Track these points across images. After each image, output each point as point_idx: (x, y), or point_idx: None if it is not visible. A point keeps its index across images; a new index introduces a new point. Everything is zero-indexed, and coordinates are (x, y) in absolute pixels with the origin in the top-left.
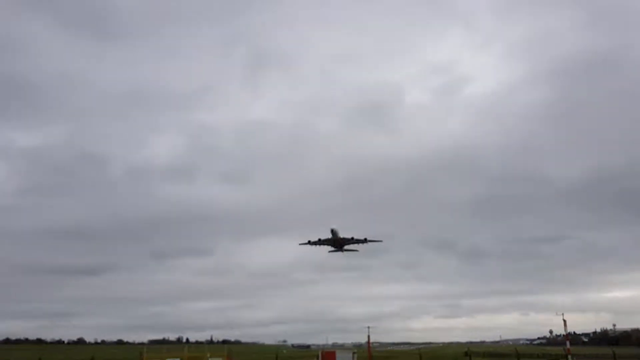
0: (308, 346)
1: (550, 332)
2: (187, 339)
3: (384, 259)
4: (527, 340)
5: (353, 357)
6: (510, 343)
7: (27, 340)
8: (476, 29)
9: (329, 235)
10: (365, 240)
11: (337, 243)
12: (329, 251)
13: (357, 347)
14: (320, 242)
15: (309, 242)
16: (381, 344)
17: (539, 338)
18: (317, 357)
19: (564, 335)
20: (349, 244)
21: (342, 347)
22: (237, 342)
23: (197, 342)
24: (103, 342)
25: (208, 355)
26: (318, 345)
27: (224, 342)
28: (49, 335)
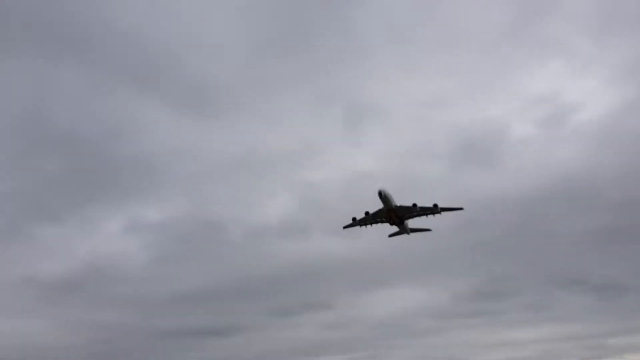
0: None
1: None
2: None
3: (510, 301)
4: None
5: None
6: None
7: None
8: (574, 55)
9: (380, 206)
10: (435, 208)
11: (393, 215)
12: (389, 235)
13: None
14: (370, 219)
15: (354, 221)
16: None
17: None
18: None
19: None
20: (409, 214)
21: None
22: None
23: None
24: None
25: None
26: None
27: None
28: None
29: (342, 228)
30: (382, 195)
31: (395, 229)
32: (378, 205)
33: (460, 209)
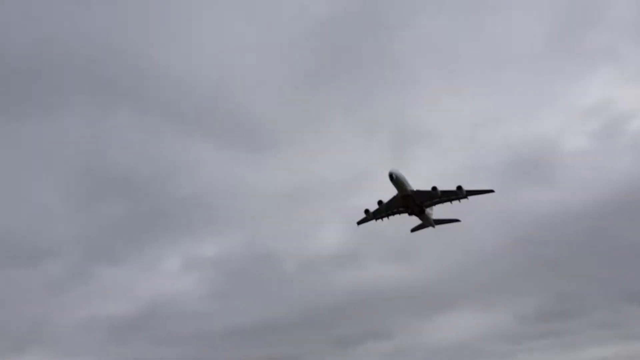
0: None
1: None
2: None
3: (579, 320)
4: None
5: None
6: None
7: None
8: (623, 63)
9: (394, 193)
10: (460, 192)
11: (411, 202)
12: (411, 230)
13: None
14: (385, 209)
15: (368, 214)
16: None
17: None
18: None
19: None
20: (430, 201)
21: None
22: None
23: None
24: None
25: None
26: None
27: None
28: None
29: (357, 225)
30: (394, 178)
31: (416, 221)
32: (393, 193)
33: (491, 191)
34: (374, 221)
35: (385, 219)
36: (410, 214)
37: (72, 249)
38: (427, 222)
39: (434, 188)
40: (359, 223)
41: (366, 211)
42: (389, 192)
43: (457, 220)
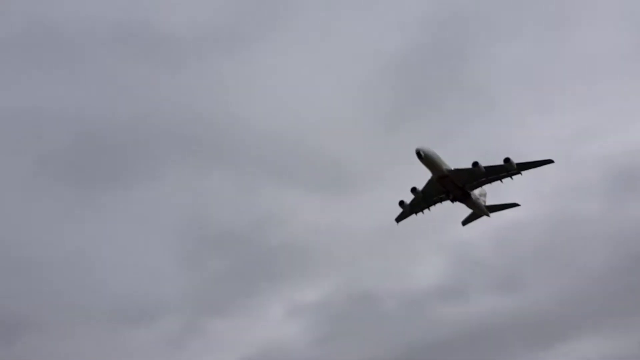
0: None
1: None
2: None
3: None
4: None
5: None
6: None
7: None
8: None
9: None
10: (510, 165)
11: (450, 185)
12: (462, 222)
13: None
14: (422, 198)
15: (404, 206)
16: None
17: None
18: None
19: None
20: (474, 181)
21: None
22: None
23: None
24: None
25: None
26: None
27: None
28: None
29: (396, 224)
30: (422, 156)
31: (465, 210)
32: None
33: (550, 161)
34: (414, 216)
35: (426, 211)
36: (453, 200)
37: (182, 305)
38: (478, 210)
39: (475, 164)
40: (397, 220)
41: (401, 203)
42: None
43: (515, 205)
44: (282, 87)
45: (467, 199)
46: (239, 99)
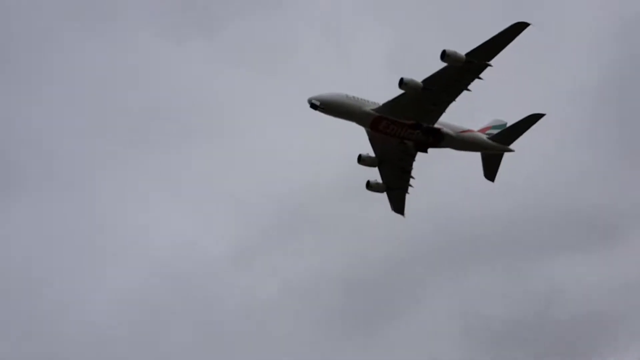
0: None
1: None
2: None
3: None
4: None
5: None
6: None
7: None
8: None
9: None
10: (454, 57)
11: (395, 128)
12: (486, 177)
13: None
14: (379, 165)
15: (375, 188)
16: None
17: None
18: None
19: None
20: (422, 104)
21: None
22: None
23: None
24: None
25: None
26: None
27: None
28: None
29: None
30: (320, 106)
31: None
32: None
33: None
34: (408, 195)
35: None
36: (422, 148)
37: None
38: (480, 148)
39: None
40: (397, 211)
41: (367, 184)
42: None
43: (537, 116)
44: None
45: (440, 138)
46: None
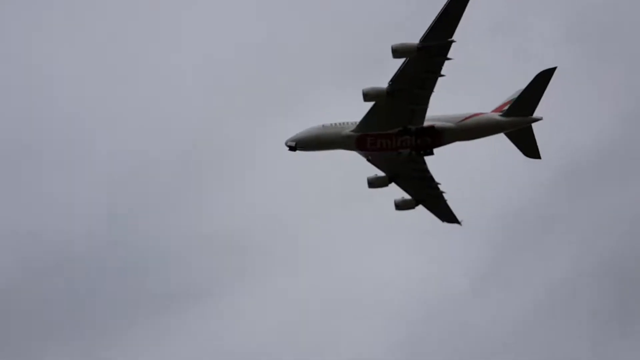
0: None
1: None
2: None
3: None
4: None
5: None
6: None
7: None
8: None
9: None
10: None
11: (381, 141)
12: (526, 155)
13: None
14: (393, 182)
15: (404, 205)
16: None
17: None
18: None
19: None
20: (400, 107)
21: None
22: None
23: None
24: None
25: None
26: None
27: None
28: None
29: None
30: (296, 147)
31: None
32: None
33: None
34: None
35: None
36: (418, 152)
37: None
38: (489, 131)
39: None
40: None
41: (397, 205)
42: None
43: (549, 72)
44: None
45: (438, 135)
46: None
